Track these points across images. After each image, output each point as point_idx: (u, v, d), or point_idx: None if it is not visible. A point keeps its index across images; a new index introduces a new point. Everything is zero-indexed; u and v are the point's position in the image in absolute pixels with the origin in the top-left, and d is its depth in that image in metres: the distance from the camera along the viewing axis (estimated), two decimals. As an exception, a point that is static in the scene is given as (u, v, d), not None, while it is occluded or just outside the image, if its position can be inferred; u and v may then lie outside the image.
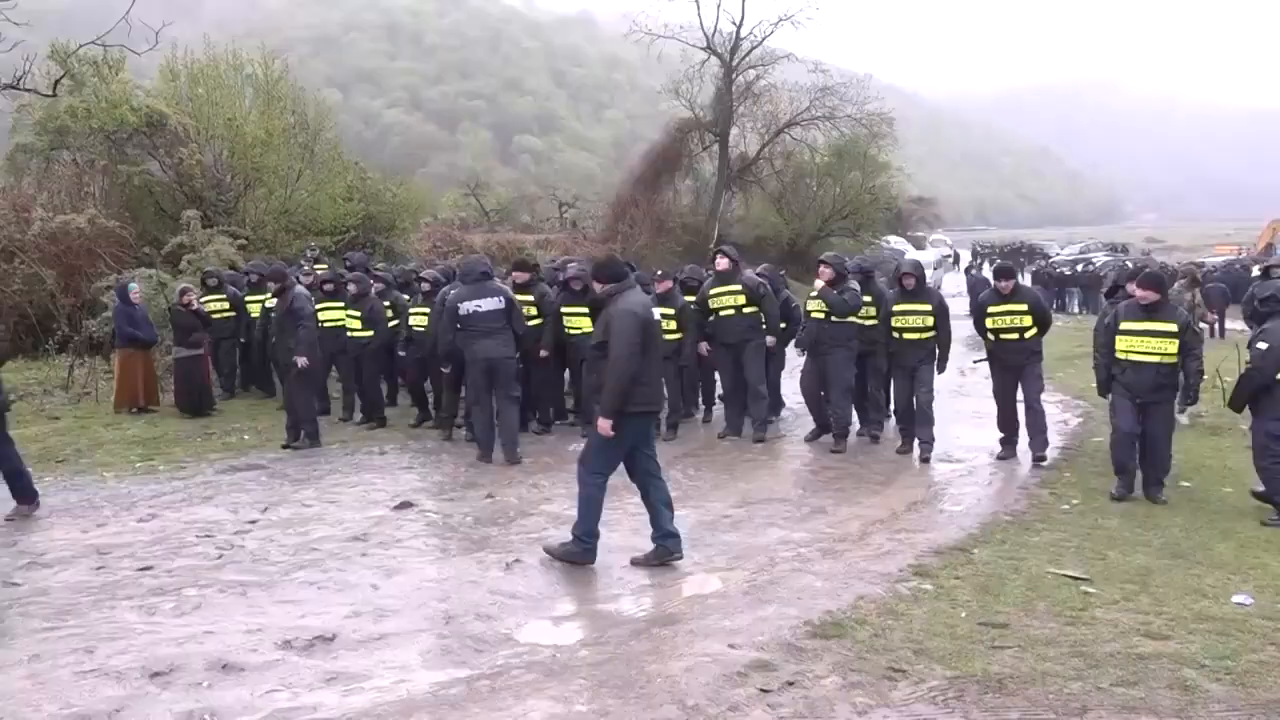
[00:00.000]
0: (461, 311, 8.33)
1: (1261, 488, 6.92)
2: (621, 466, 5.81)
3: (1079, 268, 33.73)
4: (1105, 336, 7.48)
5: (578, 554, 5.70)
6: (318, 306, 10.69)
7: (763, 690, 3.93)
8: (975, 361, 10.98)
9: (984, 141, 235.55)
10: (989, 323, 8.48)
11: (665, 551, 5.71)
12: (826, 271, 8.87)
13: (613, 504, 7.11)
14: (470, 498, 7.34)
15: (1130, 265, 32.28)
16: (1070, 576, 5.39)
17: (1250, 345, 6.99)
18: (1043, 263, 41.65)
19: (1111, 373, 7.37)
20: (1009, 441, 8.65)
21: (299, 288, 9.61)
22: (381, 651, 4.44)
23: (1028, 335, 8.37)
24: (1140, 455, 7.30)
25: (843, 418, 9.01)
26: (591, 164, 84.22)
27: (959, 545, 6.04)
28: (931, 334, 8.57)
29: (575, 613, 4.97)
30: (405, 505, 7.05)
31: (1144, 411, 7.22)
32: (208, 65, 19.07)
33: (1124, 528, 6.54)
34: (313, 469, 8.36)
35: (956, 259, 40.97)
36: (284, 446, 9.16)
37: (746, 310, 9.31)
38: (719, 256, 9.53)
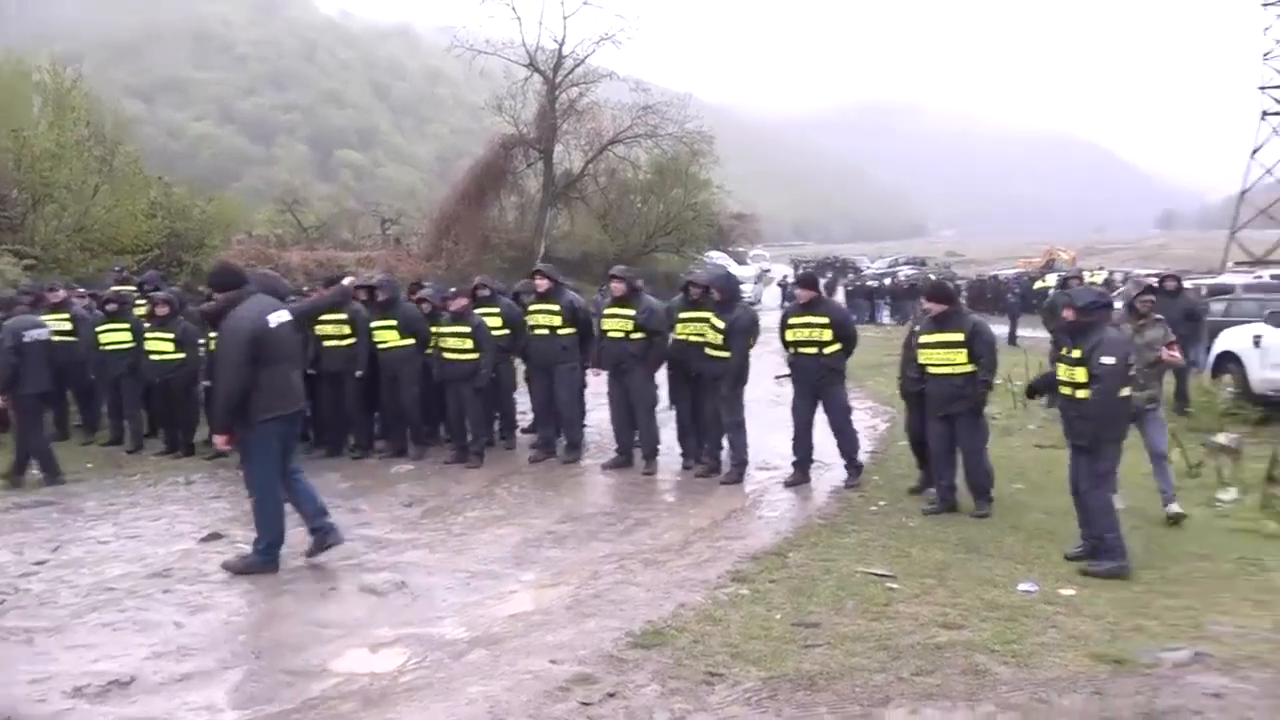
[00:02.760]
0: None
1: (1077, 549, 6.18)
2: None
3: (887, 280, 35.61)
4: (907, 349, 7.69)
5: (259, 565, 5.87)
6: (100, 328, 10.12)
7: (584, 704, 3.95)
8: (778, 376, 10.98)
9: (801, 160, 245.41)
10: (788, 334, 8.09)
11: (323, 538, 6.05)
12: (618, 286, 8.68)
13: (434, 524, 7.05)
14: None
15: (932, 277, 34.35)
16: (876, 574, 5.67)
17: (1090, 360, 5.95)
18: (853, 276, 43.85)
19: (914, 382, 7.49)
20: (800, 465, 8.20)
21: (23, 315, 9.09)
22: (185, 693, 4.21)
23: (827, 350, 7.92)
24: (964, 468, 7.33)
25: (651, 437, 8.86)
26: (414, 179, 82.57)
27: (775, 550, 6.24)
28: (716, 349, 8.13)
29: (394, 638, 4.84)
30: (214, 536, 6.70)
31: (950, 424, 7.24)
32: (-11, 72, 17.71)
33: (925, 525, 6.93)
34: (110, 503, 7.85)
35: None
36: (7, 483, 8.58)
37: (562, 333, 9.02)
38: (538, 277, 9.25)
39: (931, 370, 7.27)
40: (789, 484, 8.17)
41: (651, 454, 8.86)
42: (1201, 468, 8.58)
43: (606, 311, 8.78)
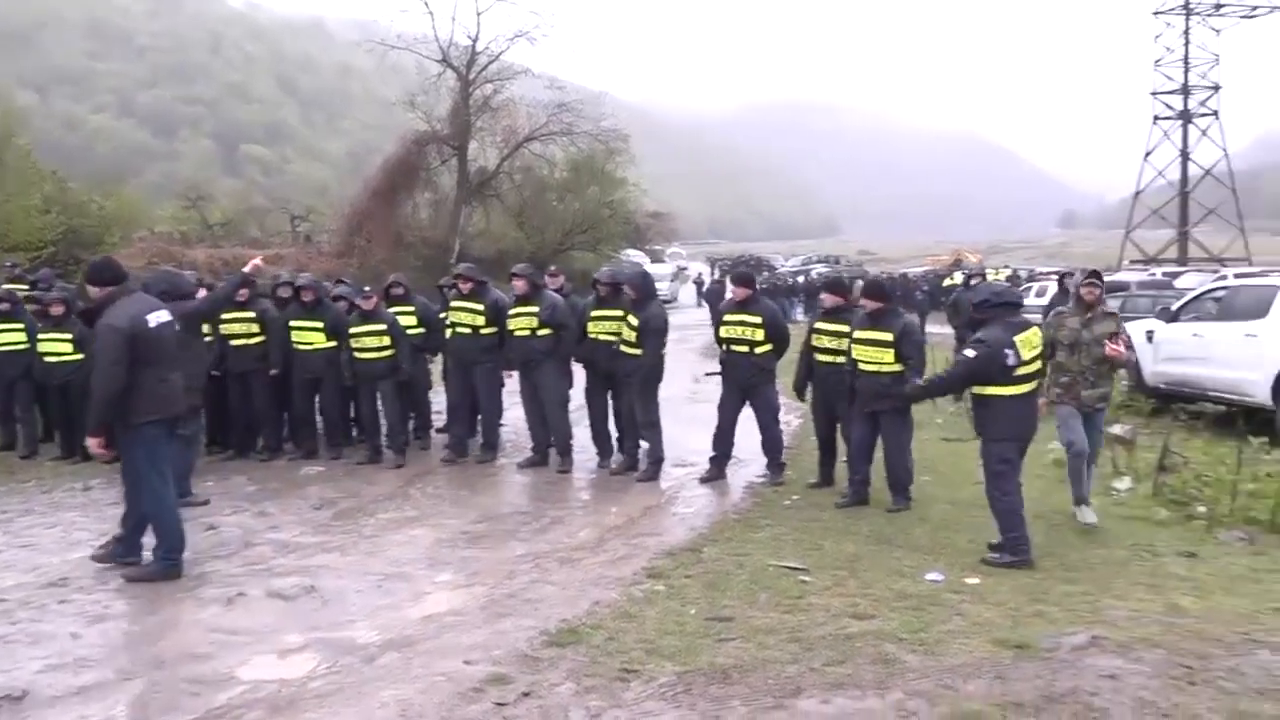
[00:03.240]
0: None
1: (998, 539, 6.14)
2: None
3: (800, 278, 36.18)
4: (805, 346, 7.86)
5: (161, 572, 5.70)
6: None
7: (498, 704, 3.91)
8: (708, 373, 11.07)
9: (717, 159, 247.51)
10: (722, 331, 8.13)
11: (115, 551, 5.91)
12: (520, 284, 8.64)
13: (346, 526, 6.92)
14: (189, 530, 6.81)
15: (844, 275, 35.04)
16: (789, 567, 5.73)
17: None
18: (768, 274, 44.44)
19: (850, 375, 7.42)
20: (718, 461, 8.26)
21: None
22: (82, 706, 4.05)
23: (758, 350, 7.94)
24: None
25: (563, 434, 8.81)
26: (325, 175, 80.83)
27: (690, 545, 6.27)
28: (631, 346, 8.18)
29: (304, 644, 4.74)
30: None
31: (875, 421, 7.30)
32: None
33: (837, 519, 7.04)
34: (1, 511, 7.52)
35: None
36: None
37: (485, 332, 8.90)
38: (461, 281, 9.05)
39: (862, 366, 7.30)
40: (705, 480, 8.21)
41: (565, 451, 8.83)
42: (1098, 458, 8.89)
43: (511, 311, 8.70)
